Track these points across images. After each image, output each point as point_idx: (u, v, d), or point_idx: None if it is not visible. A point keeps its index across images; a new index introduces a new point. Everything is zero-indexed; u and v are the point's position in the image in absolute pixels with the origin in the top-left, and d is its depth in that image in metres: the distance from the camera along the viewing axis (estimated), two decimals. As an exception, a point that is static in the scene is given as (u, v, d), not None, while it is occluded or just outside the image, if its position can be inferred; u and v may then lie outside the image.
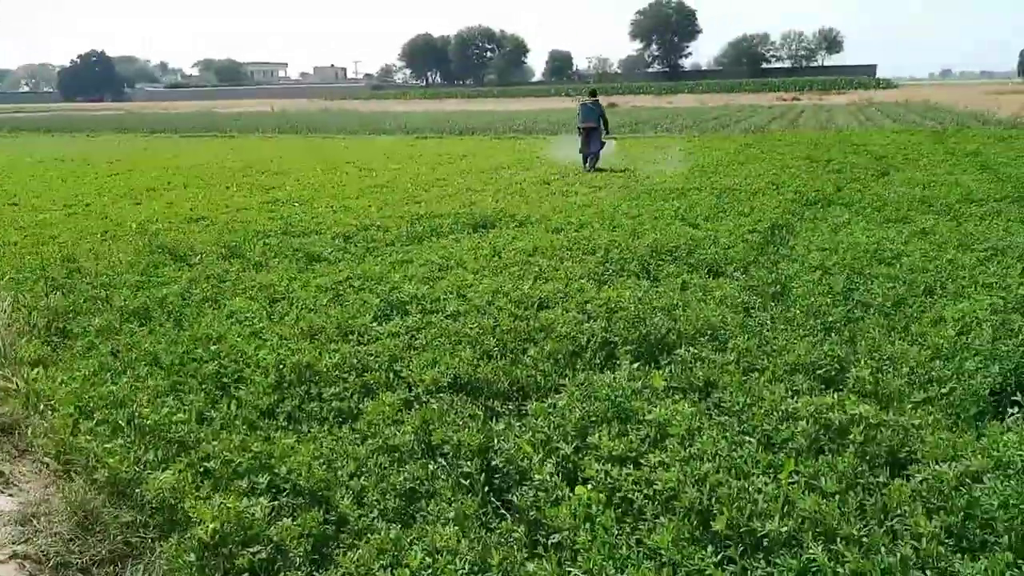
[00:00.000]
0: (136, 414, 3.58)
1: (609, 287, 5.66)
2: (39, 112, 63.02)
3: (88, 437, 3.41)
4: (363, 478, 3.08)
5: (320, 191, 12.17)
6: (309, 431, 3.59)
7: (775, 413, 3.36)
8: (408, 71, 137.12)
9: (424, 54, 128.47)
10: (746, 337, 4.47)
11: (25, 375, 4.33)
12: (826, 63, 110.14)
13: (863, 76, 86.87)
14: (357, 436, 3.49)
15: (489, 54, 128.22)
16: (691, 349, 4.30)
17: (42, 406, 3.96)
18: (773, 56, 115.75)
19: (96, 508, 2.76)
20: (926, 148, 15.47)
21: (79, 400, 3.80)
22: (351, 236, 8.10)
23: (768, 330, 4.67)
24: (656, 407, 3.47)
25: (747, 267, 6.37)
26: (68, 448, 3.39)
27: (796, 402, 3.43)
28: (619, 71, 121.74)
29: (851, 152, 15.35)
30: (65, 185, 13.89)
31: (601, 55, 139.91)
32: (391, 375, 4.18)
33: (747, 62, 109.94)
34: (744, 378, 3.90)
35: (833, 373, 3.99)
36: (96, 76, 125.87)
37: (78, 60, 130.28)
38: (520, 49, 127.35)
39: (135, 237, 8.33)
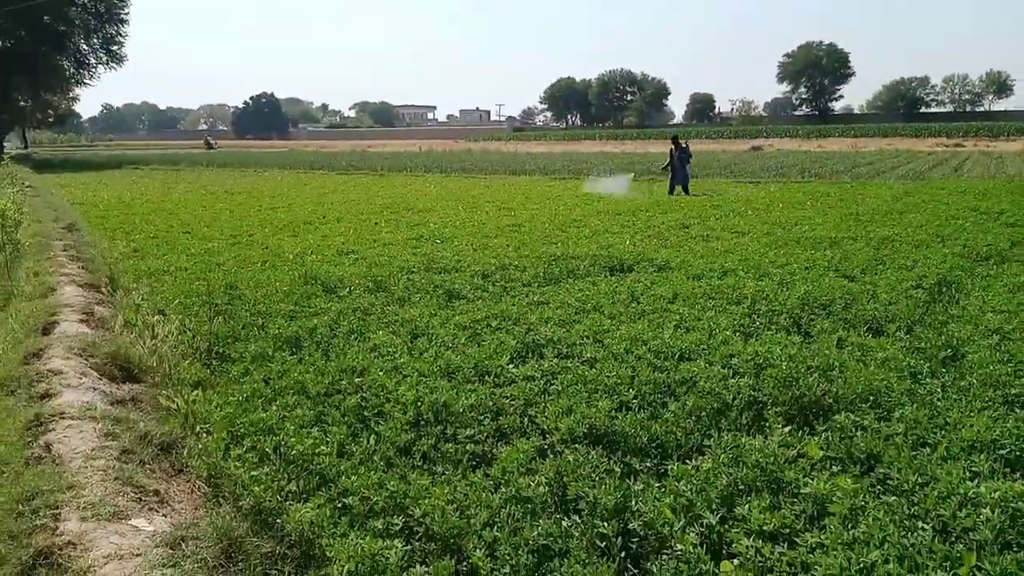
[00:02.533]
0: (283, 443, 3.71)
1: (756, 341, 5.34)
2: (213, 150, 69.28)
3: (237, 463, 3.56)
4: (496, 528, 3.00)
5: (461, 229, 12.48)
6: (443, 473, 3.58)
7: (952, 497, 2.98)
8: (549, 114, 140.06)
9: (565, 97, 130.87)
10: (915, 406, 4.05)
11: (186, 396, 4.62)
12: (993, 107, 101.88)
13: (1039, 121, 79.22)
14: (490, 483, 3.43)
15: (629, 97, 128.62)
16: (851, 416, 3.94)
17: (199, 427, 4.20)
18: (933, 100, 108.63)
19: (240, 536, 2.85)
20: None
21: (232, 425, 4.00)
22: (489, 274, 8.20)
23: (939, 400, 4.21)
24: (813, 479, 3.18)
25: (911, 326, 5.84)
26: (218, 472, 3.55)
27: (977, 486, 3.03)
28: (764, 114, 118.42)
29: (1029, 203, 13.94)
30: (232, 216, 15.07)
31: (745, 97, 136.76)
32: (525, 420, 4.12)
33: (904, 105, 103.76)
34: (913, 453, 3.51)
35: (1019, 455, 3.52)
36: (265, 116, 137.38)
37: (250, 101, 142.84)
38: (661, 92, 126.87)
39: (291, 267, 8.85)
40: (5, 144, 53.67)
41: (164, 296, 7.30)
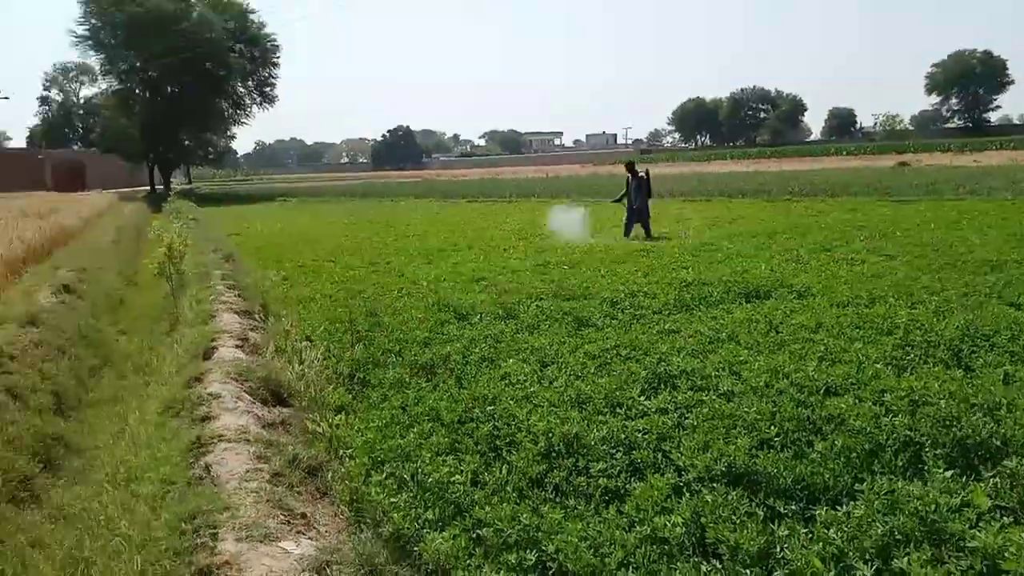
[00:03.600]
0: (419, 470, 3.81)
1: (911, 375, 4.95)
2: (353, 180, 73.22)
3: (377, 488, 3.69)
4: (632, 570, 2.93)
5: (589, 254, 12.45)
6: (576, 507, 3.54)
7: None
8: (677, 135, 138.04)
9: (694, 117, 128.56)
10: (1104, 454, 3.60)
11: (329, 420, 4.86)
12: None
13: None
14: (625, 520, 3.36)
15: (763, 114, 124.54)
16: (1022, 461, 3.56)
17: (342, 451, 4.39)
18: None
19: (380, 565, 2.94)
20: None
21: (372, 450, 4.15)
22: (618, 301, 8.10)
23: None
24: (981, 531, 2.88)
25: (1097, 361, 5.22)
26: (360, 497, 3.69)
27: None
28: (911, 127, 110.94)
29: None
30: (371, 245, 15.81)
31: (889, 111, 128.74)
32: (659, 455, 4.01)
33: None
34: (1105, 508, 3.12)
35: None
36: (401, 148, 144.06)
37: (387, 135, 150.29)
38: (797, 108, 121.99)
39: (425, 295, 9.15)
40: (172, 179, 59.22)
41: (311, 323, 7.74)
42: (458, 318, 7.74)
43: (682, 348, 5.94)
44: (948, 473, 3.52)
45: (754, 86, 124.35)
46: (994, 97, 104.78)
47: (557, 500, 3.64)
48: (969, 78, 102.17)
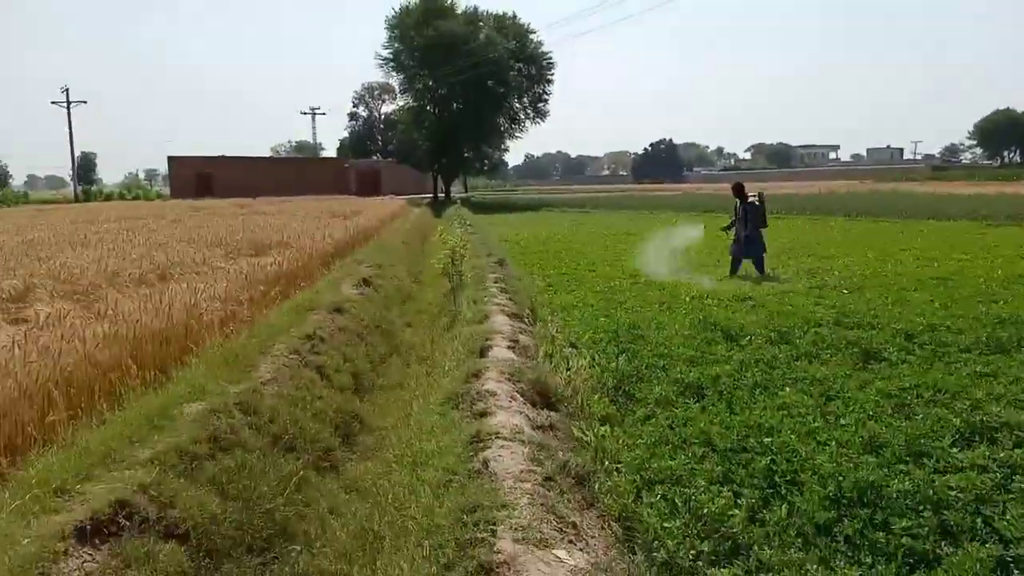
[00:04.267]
0: (692, 497, 3.65)
1: None
2: (613, 192, 74.09)
3: (649, 509, 3.58)
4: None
5: (870, 279, 11.26)
6: (874, 566, 3.13)
7: None
8: (979, 150, 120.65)
9: (1002, 131, 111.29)
10: None
11: (595, 430, 4.86)
12: None
13: None
14: (936, 591, 2.91)
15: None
16: None
17: (607, 463, 4.36)
18: None
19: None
20: None
21: (642, 469, 4.06)
22: (914, 335, 7.18)
23: None
24: None
25: None
26: (630, 515, 3.61)
27: None
28: None
29: None
30: (629, 256, 15.77)
31: None
32: (978, 520, 3.43)
33: None
34: None
35: None
36: (663, 160, 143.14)
37: (649, 147, 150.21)
38: None
39: (688, 310, 8.88)
40: (451, 189, 64.56)
41: (575, 330, 7.88)
42: (726, 338, 7.38)
43: (1002, 396, 5.07)
44: None
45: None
46: None
47: (850, 554, 3.25)
48: None
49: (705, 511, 3.52)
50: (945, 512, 3.49)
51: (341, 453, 5.72)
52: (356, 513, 4.44)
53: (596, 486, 4.11)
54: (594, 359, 6.62)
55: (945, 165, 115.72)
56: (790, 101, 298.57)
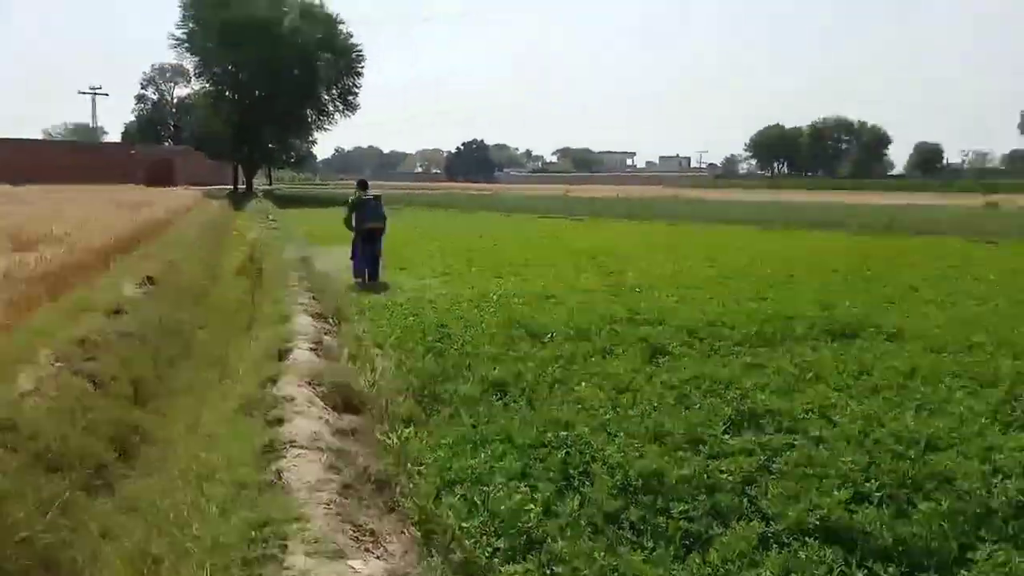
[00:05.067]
0: (491, 495, 3.68)
1: (1020, 433, 4.57)
2: (426, 190, 74.14)
3: (448, 511, 3.57)
4: (718, 627, 2.72)
5: (661, 279, 12.16)
6: (655, 549, 3.34)
7: None
8: (754, 161, 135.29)
9: (772, 145, 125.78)
10: None
11: (399, 433, 4.78)
12: None
13: None
14: (708, 570, 3.15)
15: (844, 145, 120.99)
16: None
17: (410, 465, 4.30)
18: None
19: (453, 595, 2.82)
20: None
21: (443, 469, 4.04)
22: (696, 330, 7.82)
23: None
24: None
25: None
26: (430, 518, 3.57)
27: None
28: (1002, 167, 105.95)
29: None
30: (442, 255, 15.86)
31: (979, 148, 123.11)
32: (745, 501, 3.77)
33: None
34: None
35: None
36: (474, 160, 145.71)
37: (462, 147, 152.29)
38: (880, 140, 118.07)
39: (496, 309, 9.05)
40: (254, 180, 61.19)
41: (383, 330, 7.74)
42: (530, 336, 7.60)
43: (767, 385, 5.65)
44: (1072, 549, 3.19)
45: (836, 116, 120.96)
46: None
47: (635, 540, 3.44)
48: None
49: (502, 508, 3.57)
50: (717, 494, 3.81)
51: (117, 470, 5.16)
52: (132, 535, 4.02)
53: (398, 490, 4.04)
54: (400, 360, 6.53)
55: (726, 174, 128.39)
56: (593, 107, 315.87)
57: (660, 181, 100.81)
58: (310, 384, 5.46)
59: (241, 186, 57.45)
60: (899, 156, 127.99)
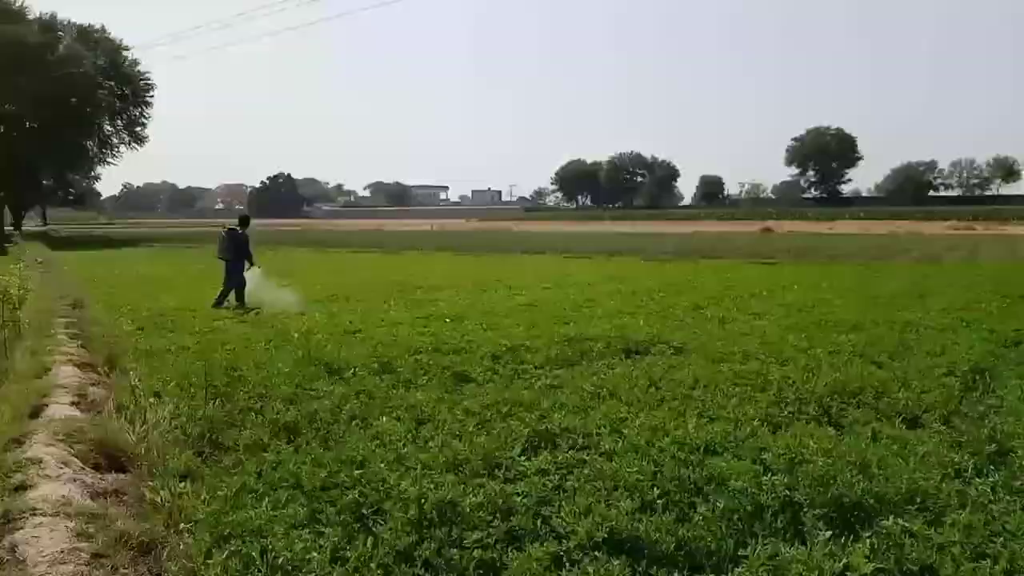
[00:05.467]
0: (271, 546, 3.36)
1: (787, 433, 4.99)
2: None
3: (219, 570, 3.20)
4: (506, 658, 2.62)
5: (470, 308, 12.24)
6: (447, 585, 3.19)
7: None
8: (560, 194, 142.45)
9: (576, 178, 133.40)
10: (967, 511, 3.66)
11: (172, 488, 4.28)
12: (1001, 192, 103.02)
13: (1047, 206, 79.92)
14: (500, 598, 3.05)
15: (639, 178, 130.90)
16: (898, 520, 3.56)
17: (183, 525, 3.85)
18: (941, 184, 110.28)
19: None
20: None
21: (217, 524, 3.64)
22: (500, 356, 7.88)
23: (993, 503, 3.82)
24: (866, 600, 2.79)
25: (948, 417, 5.47)
26: (199, 579, 3.19)
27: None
28: (773, 196, 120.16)
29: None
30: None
31: (754, 180, 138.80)
32: (539, 522, 3.74)
33: (912, 189, 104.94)
34: (973, 566, 3.13)
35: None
36: (282, 196, 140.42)
37: (268, 181, 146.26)
38: (671, 174, 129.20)
39: (296, 347, 8.57)
40: (25, 221, 54.61)
41: (162, 377, 7.02)
42: (329, 372, 7.24)
43: (564, 404, 5.76)
44: (828, 534, 3.46)
45: (632, 151, 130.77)
46: (846, 171, 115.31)
47: (427, 576, 3.28)
48: (825, 152, 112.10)
49: (281, 559, 3.26)
50: (512, 518, 3.74)
51: None
52: None
53: (164, 554, 3.57)
54: (178, 408, 5.92)
55: (535, 207, 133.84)
56: (403, 142, 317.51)
57: (473, 214, 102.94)
58: (66, 442, 4.77)
59: (9, 227, 50.99)
60: (687, 188, 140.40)
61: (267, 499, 4.01)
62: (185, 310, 12.40)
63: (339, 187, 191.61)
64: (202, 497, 4.14)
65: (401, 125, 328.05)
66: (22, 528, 3.55)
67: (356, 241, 39.33)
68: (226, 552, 3.37)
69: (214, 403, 6.00)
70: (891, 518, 3.58)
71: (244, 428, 5.39)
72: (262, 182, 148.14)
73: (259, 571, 3.24)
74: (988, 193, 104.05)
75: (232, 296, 13.10)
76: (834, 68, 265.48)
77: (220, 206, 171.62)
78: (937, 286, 14.34)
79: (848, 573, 3.08)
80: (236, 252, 13.16)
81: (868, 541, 3.40)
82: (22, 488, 4.06)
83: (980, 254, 26.02)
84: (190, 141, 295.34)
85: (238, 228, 13.53)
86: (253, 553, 3.34)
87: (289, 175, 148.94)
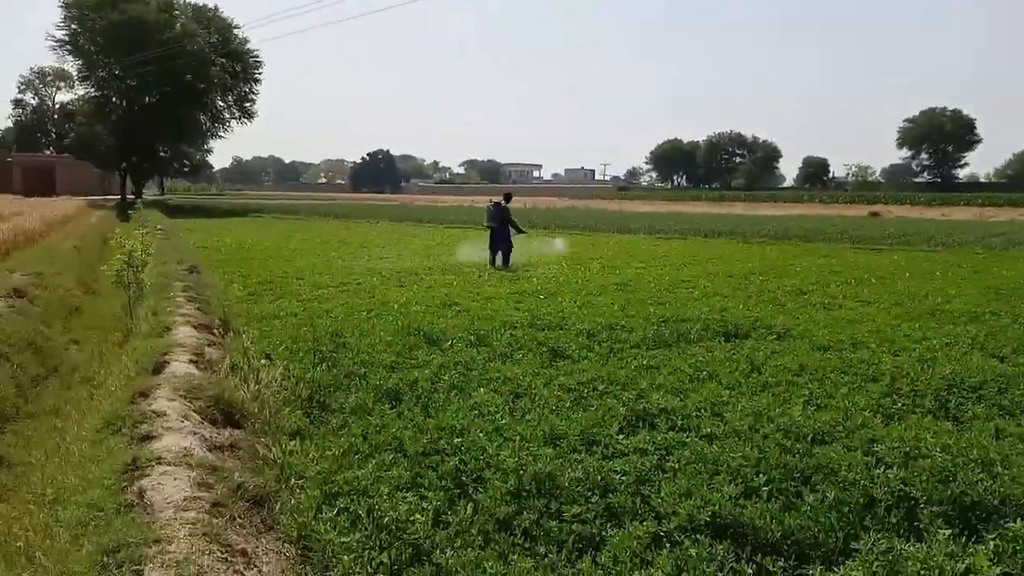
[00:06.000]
0: (376, 506, 3.47)
1: (900, 425, 4.74)
2: (330, 200, 72.49)
3: (328, 525, 3.34)
4: (607, 632, 2.62)
5: (565, 285, 12.22)
6: (547, 555, 3.22)
7: None
8: (655, 174, 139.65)
9: (671, 158, 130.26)
10: (1106, 518, 3.38)
11: (283, 445, 4.49)
12: None
13: None
14: (600, 573, 3.05)
15: (739, 159, 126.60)
16: (1025, 523, 3.32)
17: (293, 480, 4.03)
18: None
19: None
20: None
21: (326, 482, 3.80)
22: (595, 334, 7.84)
23: None
24: (992, 605, 2.63)
25: (1082, 418, 5.05)
26: (308, 534, 3.33)
27: None
28: (881, 180, 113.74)
29: None
30: (344, 265, 15.43)
31: (861, 162, 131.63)
32: (638, 500, 3.71)
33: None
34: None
35: None
36: (380, 171, 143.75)
37: (367, 157, 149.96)
38: (772, 154, 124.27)
39: (396, 317, 8.80)
40: (144, 190, 58.17)
41: (272, 340, 7.36)
42: (428, 343, 7.41)
43: (662, 385, 5.68)
44: (947, 533, 3.28)
45: (731, 131, 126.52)
46: (962, 155, 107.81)
47: (527, 546, 3.32)
48: (940, 135, 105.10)
49: (387, 519, 3.37)
50: (611, 495, 3.73)
51: (-36, 499, 4.63)
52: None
53: (277, 507, 3.76)
54: (288, 370, 6.19)
55: (628, 186, 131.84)
56: (498, 120, 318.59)
57: (566, 192, 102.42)
58: (186, 397, 5.07)
59: (130, 196, 54.44)
60: (789, 170, 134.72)
61: (372, 461, 4.16)
62: (291, 278, 12.93)
63: (435, 164, 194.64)
64: (311, 455, 4.32)
65: (495, 103, 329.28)
66: (148, 476, 3.80)
67: (449, 217, 39.82)
68: (335, 509, 3.51)
69: (321, 367, 6.25)
70: (1018, 520, 3.35)
71: (349, 392, 5.58)
72: (362, 158, 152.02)
73: (365, 529, 3.35)
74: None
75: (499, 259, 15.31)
76: (953, 44, 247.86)
77: (323, 180, 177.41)
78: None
79: (971, 575, 2.90)
80: (501, 221, 15.52)
81: (992, 543, 3.20)
82: (148, 438, 4.35)
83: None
84: (294, 121, 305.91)
85: (502, 202, 16.02)
86: (360, 511, 3.47)
87: (388, 151, 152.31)
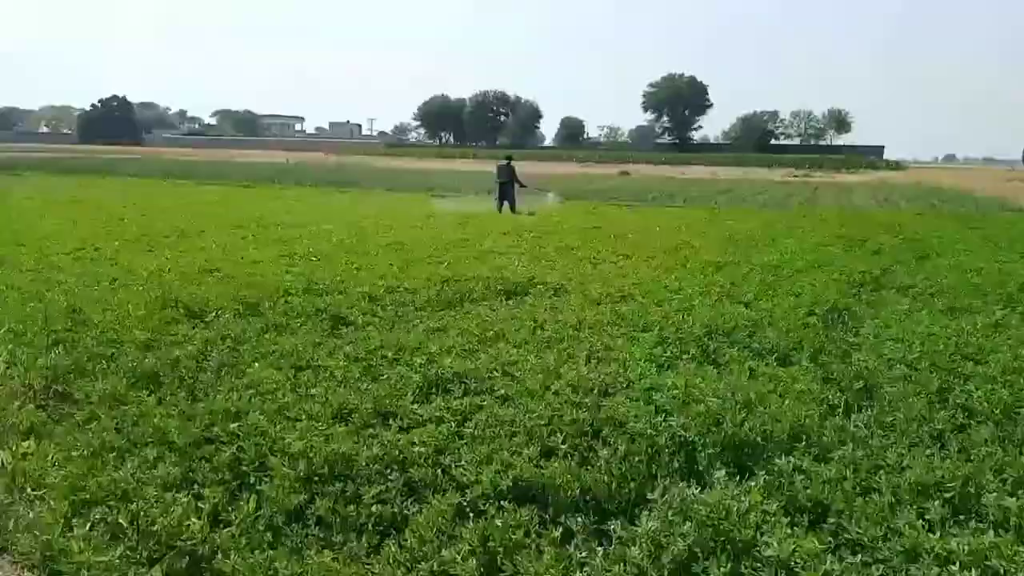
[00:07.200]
0: (142, 513, 2.98)
1: (673, 372, 5.08)
2: (56, 154, 63.21)
3: (82, 542, 2.79)
4: (422, 622, 2.46)
5: (338, 247, 11.68)
6: (347, 544, 2.97)
7: (925, 555, 2.74)
8: (422, 131, 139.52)
9: (439, 115, 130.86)
10: (850, 447, 3.87)
11: (14, 448, 3.74)
12: (835, 142, 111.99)
13: (872, 156, 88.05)
14: (406, 556, 2.88)
15: (503, 118, 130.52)
16: (789, 459, 3.70)
17: (30, 490, 3.36)
18: (782, 133, 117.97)
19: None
20: (958, 233, 15.05)
21: (75, 490, 3.19)
22: (377, 298, 7.55)
23: (871, 438, 4.06)
24: (772, 539, 2.85)
25: (816, 355, 5.80)
26: (55, 553, 2.77)
27: (950, 542, 2.81)
28: (629, 140, 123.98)
29: (882, 232, 14.93)
30: (76, 228, 13.46)
31: (612, 124, 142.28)
32: (439, 472, 3.58)
33: (757, 137, 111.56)
34: (863, 500, 3.29)
35: (962, 499, 3.37)
36: (116, 120, 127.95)
37: (99, 104, 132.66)
38: (534, 114, 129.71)
39: (147, 287, 7.80)
40: None
41: (-12, 322, 6.14)
42: (189, 315, 6.64)
43: (452, 348, 5.58)
44: (723, 473, 3.54)
45: (496, 89, 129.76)
46: (697, 118, 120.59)
47: (323, 537, 3.04)
48: (678, 99, 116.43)
49: (156, 526, 2.90)
50: (410, 470, 3.56)
51: None
52: None
53: (11, 524, 3.10)
54: (13, 355, 5.20)
55: (397, 143, 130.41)
56: (252, 68, 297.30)
57: (331, 148, 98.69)
58: None
59: None
60: (549, 130, 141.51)
61: (132, 459, 3.59)
62: (11, 244, 11.00)
63: (182, 113, 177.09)
64: (51, 458, 3.63)
65: (253, 47, 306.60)
66: None
67: (203, 172, 36.58)
68: (89, 522, 2.96)
69: (57, 350, 5.32)
70: (782, 456, 3.72)
71: (96, 378, 4.80)
72: (93, 104, 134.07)
73: (131, 541, 2.86)
74: (823, 143, 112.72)
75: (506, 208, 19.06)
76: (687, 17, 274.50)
77: (45, 129, 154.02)
78: (786, 230, 15.29)
79: (750, 513, 3.14)
80: (508, 177, 19.44)
81: (762, 479, 3.51)
82: None
83: (818, 200, 28.13)
84: (12, 57, 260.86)
85: (511, 163, 19.75)
86: (121, 521, 2.96)
87: (124, 98, 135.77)
